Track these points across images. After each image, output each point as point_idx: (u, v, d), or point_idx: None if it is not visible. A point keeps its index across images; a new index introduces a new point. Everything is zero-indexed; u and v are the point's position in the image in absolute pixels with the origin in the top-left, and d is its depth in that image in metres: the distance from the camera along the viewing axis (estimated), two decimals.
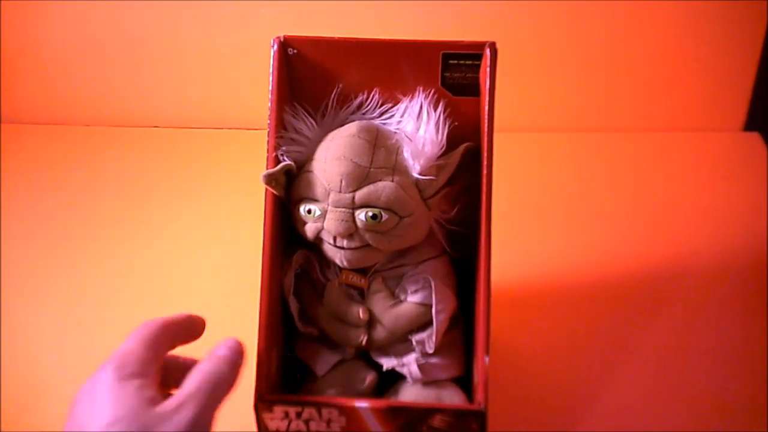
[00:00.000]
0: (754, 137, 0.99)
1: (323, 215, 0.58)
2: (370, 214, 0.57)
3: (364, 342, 0.61)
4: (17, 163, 1.00)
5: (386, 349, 0.62)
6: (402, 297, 0.61)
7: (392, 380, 0.63)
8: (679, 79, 0.99)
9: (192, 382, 0.44)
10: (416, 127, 0.60)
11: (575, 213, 0.90)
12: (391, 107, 0.62)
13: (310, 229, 0.59)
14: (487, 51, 0.59)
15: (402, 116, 0.61)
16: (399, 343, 0.62)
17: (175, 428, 0.40)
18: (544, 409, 0.70)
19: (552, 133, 1.01)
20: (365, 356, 0.63)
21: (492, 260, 0.58)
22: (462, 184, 0.61)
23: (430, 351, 0.60)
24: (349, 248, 0.58)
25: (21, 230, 0.90)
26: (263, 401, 0.56)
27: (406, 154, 0.59)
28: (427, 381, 0.61)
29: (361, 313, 0.60)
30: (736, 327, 0.77)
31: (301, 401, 0.56)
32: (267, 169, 0.60)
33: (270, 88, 0.61)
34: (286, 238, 0.63)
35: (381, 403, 0.56)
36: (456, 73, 0.61)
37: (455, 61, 0.61)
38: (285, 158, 0.60)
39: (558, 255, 0.85)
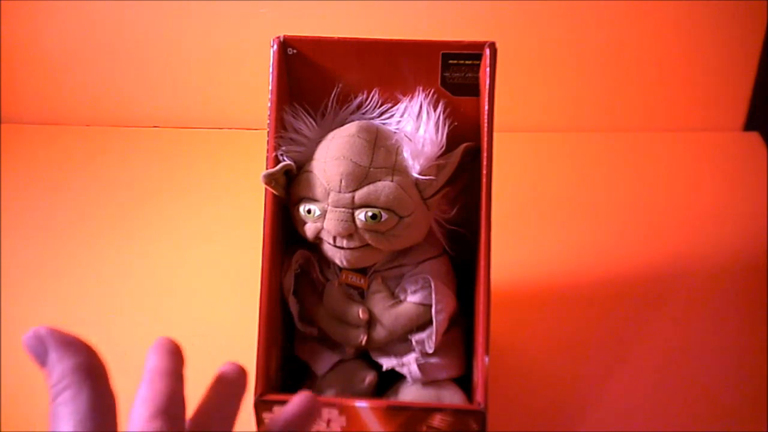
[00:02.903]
0: (754, 137, 0.99)
1: (323, 215, 0.58)
2: (369, 214, 0.57)
3: (363, 342, 0.61)
4: (17, 163, 1.00)
5: (386, 349, 0.62)
6: (402, 297, 0.61)
7: (392, 380, 0.63)
8: (679, 79, 0.99)
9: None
10: (416, 127, 0.60)
11: (575, 213, 0.90)
12: (391, 107, 0.62)
13: (310, 229, 0.60)
14: (487, 51, 0.59)
15: (402, 116, 0.61)
16: (399, 343, 0.62)
17: None
18: (544, 409, 0.70)
19: (552, 133, 1.01)
20: (365, 356, 0.63)
21: (492, 260, 0.58)
22: (462, 184, 0.61)
23: (430, 351, 0.60)
24: (348, 248, 0.58)
25: (21, 230, 0.90)
26: (263, 401, 0.56)
27: (406, 154, 0.59)
28: (427, 381, 0.61)
29: (361, 313, 0.60)
30: (736, 327, 0.77)
31: None
32: (267, 169, 0.60)
33: (270, 88, 0.61)
34: (286, 238, 0.63)
35: (381, 403, 0.56)
36: (456, 73, 0.61)
37: (455, 61, 0.61)
38: (285, 158, 0.60)
39: (558, 255, 0.85)
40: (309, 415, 0.41)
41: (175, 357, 0.40)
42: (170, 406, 0.37)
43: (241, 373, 0.42)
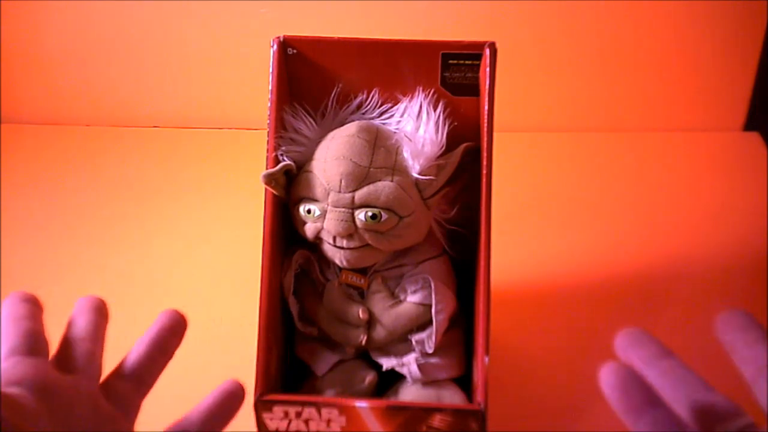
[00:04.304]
0: (754, 137, 0.99)
1: (323, 215, 0.58)
2: (369, 214, 0.57)
3: (363, 342, 0.61)
4: (17, 163, 1.00)
5: (386, 349, 0.62)
6: (402, 297, 0.61)
7: (392, 380, 0.63)
8: (679, 79, 0.99)
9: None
10: (416, 127, 0.60)
11: (575, 213, 0.90)
12: (391, 107, 0.62)
13: (309, 229, 0.60)
14: (487, 51, 0.59)
15: (402, 116, 0.61)
16: (399, 343, 0.62)
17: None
18: (544, 409, 0.70)
19: (552, 133, 1.01)
20: (365, 356, 0.63)
21: (492, 260, 0.58)
22: (462, 184, 0.61)
23: (430, 351, 0.60)
24: (348, 248, 0.58)
25: (21, 230, 0.90)
26: (263, 401, 0.56)
27: (406, 154, 0.59)
28: (427, 381, 0.61)
29: (361, 312, 0.60)
30: None
31: (300, 401, 0.56)
32: (267, 169, 0.60)
33: (270, 88, 0.61)
34: (286, 238, 0.63)
35: (381, 403, 0.56)
36: (456, 73, 0.61)
37: (455, 61, 0.61)
38: (285, 158, 0.60)
39: (558, 255, 0.85)
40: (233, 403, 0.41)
41: (29, 303, 0.41)
42: (25, 343, 0.38)
43: (102, 303, 0.44)
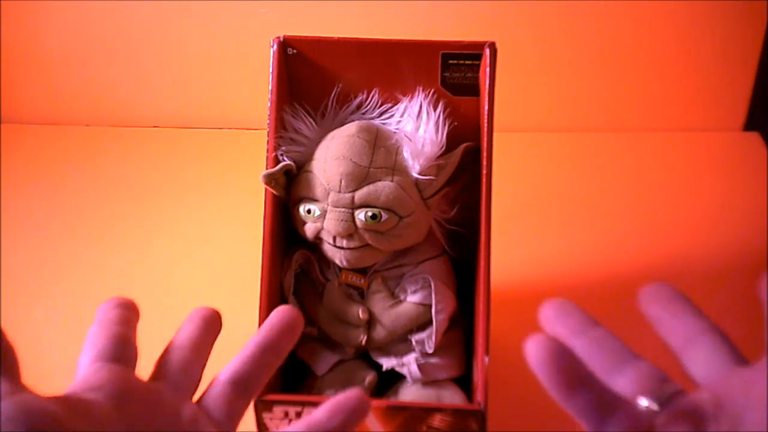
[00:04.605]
0: (754, 137, 0.99)
1: (323, 215, 0.58)
2: (369, 214, 0.57)
3: (363, 342, 0.61)
4: (17, 163, 1.00)
5: (386, 349, 0.62)
6: (402, 297, 0.61)
7: (392, 380, 0.63)
8: (679, 79, 0.99)
9: None
10: (416, 127, 0.60)
11: (575, 213, 0.90)
12: (391, 107, 0.62)
13: (309, 229, 0.60)
14: (487, 51, 0.59)
15: (402, 116, 0.61)
16: (399, 343, 0.62)
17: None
18: (544, 409, 0.70)
19: (552, 133, 1.01)
20: (365, 356, 0.63)
21: (492, 260, 0.58)
22: (462, 184, 0.61)
23: (430, 351, 0.60)
24: (348, 248, 0.58)
25: (21, 230, 0.90)
26: (263, 401, 0.56)
27: (406, 153, 0.59)
28: (427, 381, 0.61)
29: (361, 312, 0.60)
30: (736, 327, 0.76)
31: (300, 401, 0.56)
32: (267, 169, 0.60)
33: (270, 88, 0.61)
34: (286, 238, 0.63)
35: (381, 403, 0.56)
36: (456, 73, 0.61)
37: (455, 61, 0.61)
38: (285, 158, 0.61)
39: (558, 255, 0.85)
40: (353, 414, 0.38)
41: (124, 309, 0.42)
42: (112, 349, 0.38)
43: (214, 315, 0.43)
